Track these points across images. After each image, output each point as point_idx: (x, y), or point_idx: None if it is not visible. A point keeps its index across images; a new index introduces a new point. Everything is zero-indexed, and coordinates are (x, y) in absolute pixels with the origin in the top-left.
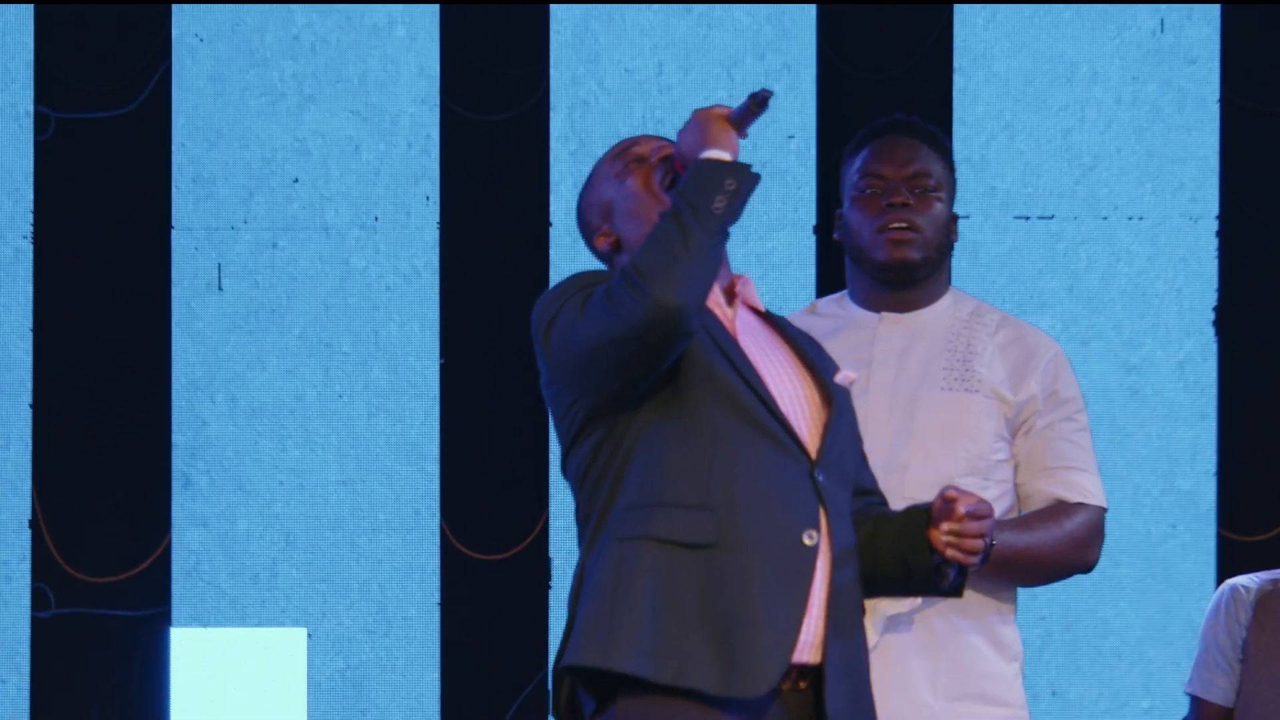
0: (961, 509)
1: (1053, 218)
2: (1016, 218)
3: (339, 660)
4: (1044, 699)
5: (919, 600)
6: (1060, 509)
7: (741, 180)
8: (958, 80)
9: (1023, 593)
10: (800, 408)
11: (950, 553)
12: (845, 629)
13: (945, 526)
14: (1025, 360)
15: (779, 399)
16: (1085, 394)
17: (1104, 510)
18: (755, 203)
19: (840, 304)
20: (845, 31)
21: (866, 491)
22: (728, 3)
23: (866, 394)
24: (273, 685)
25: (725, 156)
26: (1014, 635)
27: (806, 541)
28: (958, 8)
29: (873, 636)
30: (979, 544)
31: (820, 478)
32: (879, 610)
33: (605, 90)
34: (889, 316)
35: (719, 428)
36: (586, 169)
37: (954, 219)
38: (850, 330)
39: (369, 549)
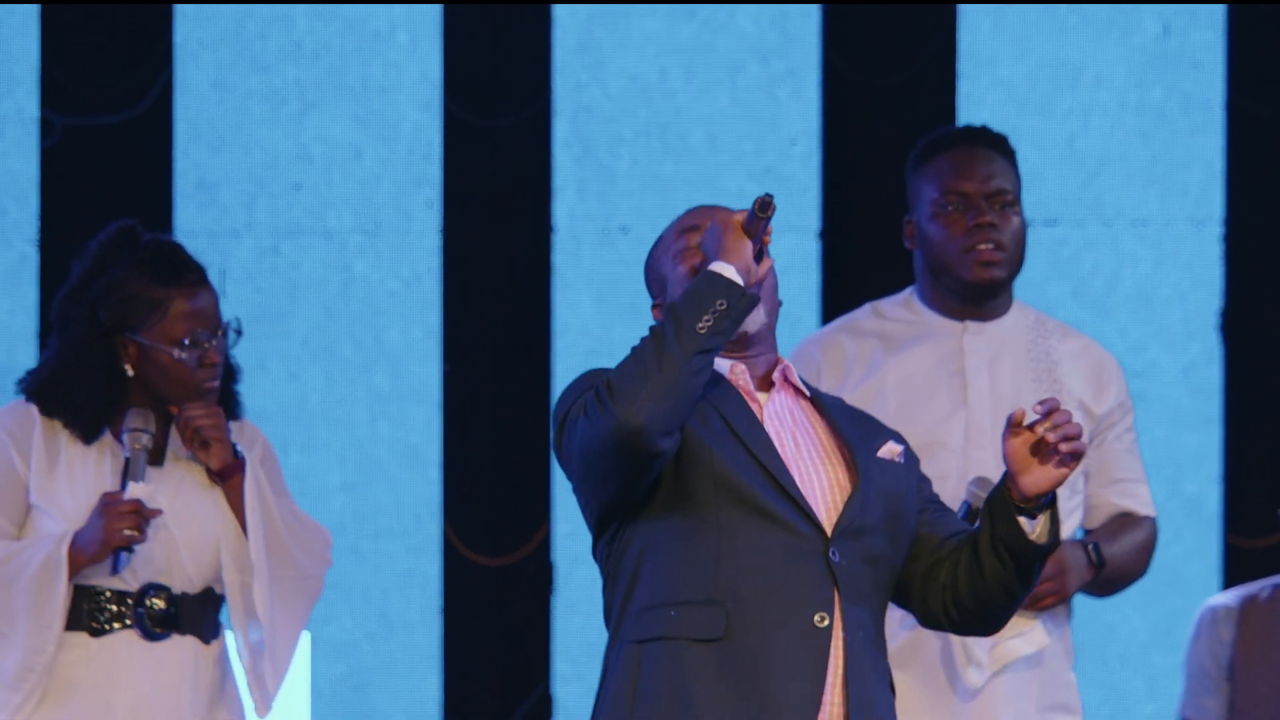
0: (1038, 409)
1: (1057, 223)
2: None
3: (340, 665)
4: None
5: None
6: (1131, 522)
7: (732, 301)
8: (961, 85)
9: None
10: (821, 487)
11: (1064, 446)
12: (868, 707)
13: (1039, 429)
14: (1099, 371)
15: (799, 479)
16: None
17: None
18: None
19: (910, 308)
20: (849, 36)
21: (954, 534)
22: (732, 3)
23: (965, 406)
24: None
25: (728, 271)
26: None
27: (818, 623)
28: (961, 12)
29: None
30: (1076, 427)
31: (835, 557)
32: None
33: (609, 96)
34: (973, 325)
35: (723, 521)
36: (590, 174)
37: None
38: (934, 339)
39: (371, 554)
